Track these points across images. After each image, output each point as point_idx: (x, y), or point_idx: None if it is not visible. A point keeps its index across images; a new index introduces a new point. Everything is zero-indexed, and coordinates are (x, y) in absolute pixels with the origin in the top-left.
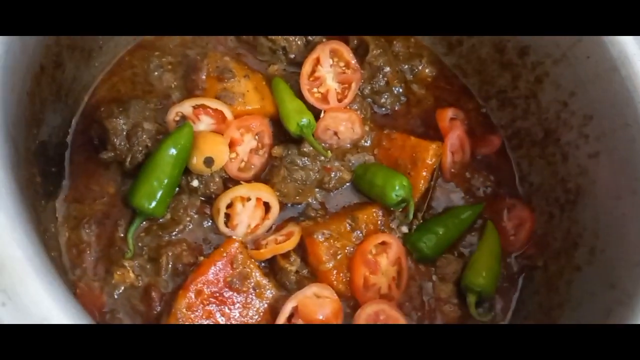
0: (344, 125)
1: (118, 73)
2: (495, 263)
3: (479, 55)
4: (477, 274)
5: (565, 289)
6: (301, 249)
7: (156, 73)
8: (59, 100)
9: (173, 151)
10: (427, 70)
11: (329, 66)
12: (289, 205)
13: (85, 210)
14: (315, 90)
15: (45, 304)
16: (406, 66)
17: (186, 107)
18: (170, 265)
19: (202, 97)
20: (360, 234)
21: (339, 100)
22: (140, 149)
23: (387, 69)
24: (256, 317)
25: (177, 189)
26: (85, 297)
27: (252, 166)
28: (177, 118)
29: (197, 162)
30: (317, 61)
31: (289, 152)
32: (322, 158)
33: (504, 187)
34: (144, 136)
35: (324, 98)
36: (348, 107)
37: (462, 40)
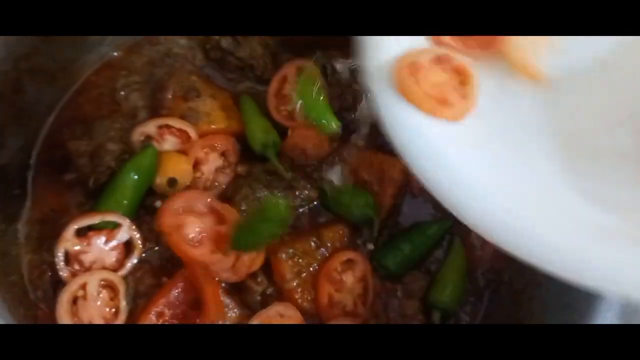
0: (311, 142)
1: (84, 93)
2: (460, 280)
3: None
4: (442, 291)
5: (527, 304)
6: (268, 267)
7: (122, 92)
8: (20, 124)
9: (134, 174)
10: None
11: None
12: None
13: (46, 231)
14: (282, 108)
15: None
16: None
17: (150, 127)
18: (130, 289)
19: (166, 117)
20: (326, 252)
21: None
22: (103, 169)
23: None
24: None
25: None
26: (47, 319)
27: (218, 184)
28: (142, 138)
29: (160, 182)
30: (284, 79)
31: (254, 170)
32: (288, 175)
33: None
34: (108, 157)
35: (291, 116)
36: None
37: None
